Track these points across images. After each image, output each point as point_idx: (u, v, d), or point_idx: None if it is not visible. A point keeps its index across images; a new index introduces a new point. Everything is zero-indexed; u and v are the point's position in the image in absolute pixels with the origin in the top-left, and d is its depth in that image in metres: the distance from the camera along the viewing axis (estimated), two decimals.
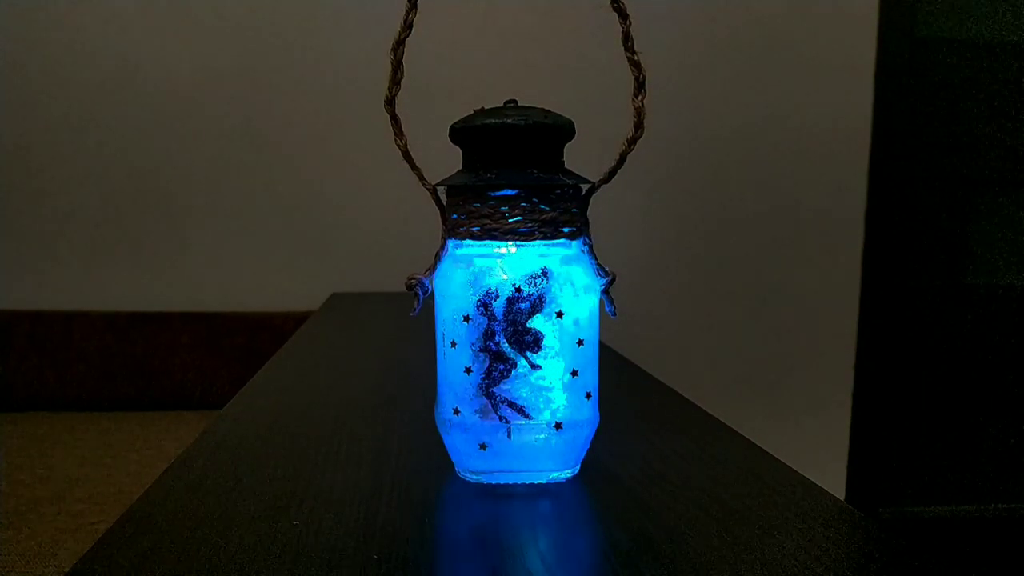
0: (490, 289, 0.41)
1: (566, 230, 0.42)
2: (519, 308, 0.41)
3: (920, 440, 1.63)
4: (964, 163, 1.59)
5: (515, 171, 0.42)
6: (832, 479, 1.56)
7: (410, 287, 0.44)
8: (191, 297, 1.37)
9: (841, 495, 1.53)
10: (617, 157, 0.42)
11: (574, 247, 0.43)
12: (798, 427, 1.53)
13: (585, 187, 0.44)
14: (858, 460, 1.57)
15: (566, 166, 0.44)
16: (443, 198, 0.45)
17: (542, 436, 0.42)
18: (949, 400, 1.62)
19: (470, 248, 0.42)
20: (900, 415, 1.61)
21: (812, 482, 0.44)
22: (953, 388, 1.62)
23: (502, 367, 0.41)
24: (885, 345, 1.57)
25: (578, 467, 0.45)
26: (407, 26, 0.41)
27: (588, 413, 0.43)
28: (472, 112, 0.43)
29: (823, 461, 1.56)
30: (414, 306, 0.44)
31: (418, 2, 0.41)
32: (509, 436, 0.42)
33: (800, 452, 1.52)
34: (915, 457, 1.63)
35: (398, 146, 0.43)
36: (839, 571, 0.34)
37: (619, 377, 0.72)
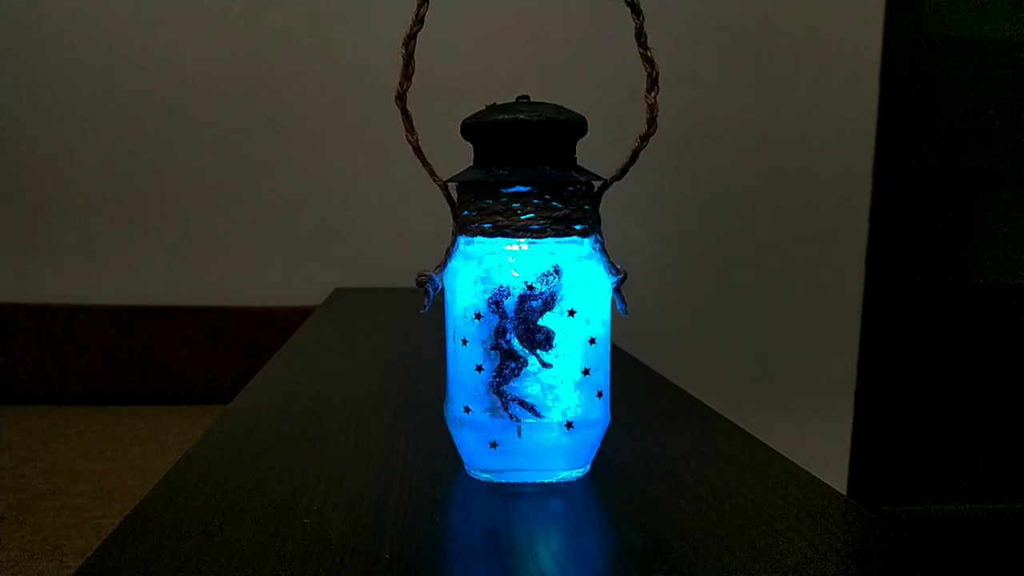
0: (502, 286, 0.40)
1: (578, 227, 0.42)
2: (531, 306, 0.40)
3: (922, 438, 1.63)
4: (969, 161, 1.58)
5: (528, 167, 0.41)
6: (834, 476, 1.56)
7: (420, 284, 0.43)
8: (194, 291, 1.37)
9: (843, 493, 1.53)
10: (630, 154, 0.42)
11: (586, 244, 0.42)
12: (801, 424, 1.53)
13: (597, 184, 0.44)
14: (860, 458, 1.57)
15: (578, 163, 0.44)
16: (454, 194, 0.45)
17: (553, 435, 0.42)
18: (951, 399, 1.62)
19: (481, 245, 0.42)
20: (902, 414, 1.61)
21: (822, 481, 0.44)
22: (956, 387, 1.62)
23: (513, 365, 0.41)
24: (888, 343, 1.56)
25: (588, 466, 0.44)
26: (419, 20, 0.41)
27: (599, 412, 0.43)
28: (484, 108, 0.43)
29: (825, 458, 1.56)
30: (424, 303, 0.43)
31: None
32: (520, 435, 0.41)
33: (802, 449, 1.52)
34: (917, 455, 1.63)
35: (409, 141, 0.43)
36: (850, 570, 0.33)
37: (628, 376, 0.71)
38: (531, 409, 0.41)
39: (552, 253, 0.41)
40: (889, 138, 1.50)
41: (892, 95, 1.49)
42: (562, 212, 0.41)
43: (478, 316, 0.41)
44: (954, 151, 1.57)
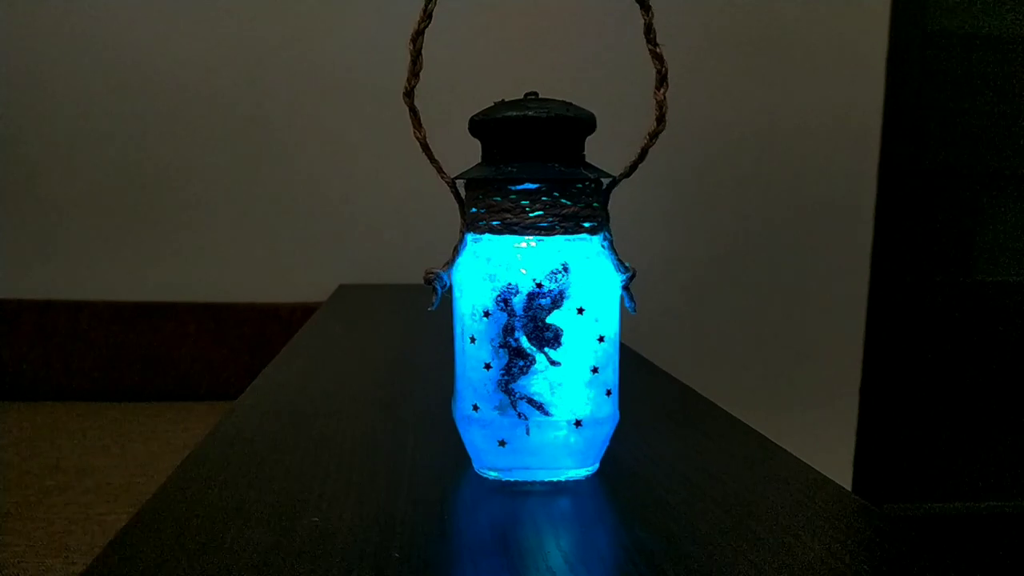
0: (510, 284, 0.40)
1: (587, 225, 0.42)
2: (539, 304, 0.40)
3: (927, 436, 1.62)
4: (974, 158, 1.57)
5: (536, 164, 0.41)
6: (839, 474, 1.56)
7: (428, 281, 0.43)
8: (198, 288, 1.37)
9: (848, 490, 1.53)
10: (639, 151, 0.42)
11: (595, 242, 0.42)
12: (805, 421, 1.53)
13: (606, 181, 0.44)
14: (865, 455, 1.57)
15: (587, 160, 0.44)
16: (461, 191, 0.44)
17: (562, 433, 0.41)
18: (956, 396, 1.62)
19: (490, 242, 0.41)
20: (907, 411, 1.61)
21: (833, 481, 0.43)
22: (960, 384, 1.61)
23: (522, 363, 0.41)
24: (893, 341, 1.56)
25: (597, 465, 0.44)
26: (427, 16, 0.41)
27: (608, 410, 0.43)
28: (492, 104, 0.42)
29: (830, 456, 1.56)
30: (432, 301, 0.43)
31: None
32: (528, 433, 0.41)
33: (807, 446, 1.52)
34: (922, 453, 1.63)
35: (417, 138, 0.43)
36: (858, 567, 0.33)
37: (637, 374, 0.71)
38: (539, 407, 0.41)
39: (561, 251, 0.41)
40: (895, 135, 1.50)
41: (898, 92, 1.49)
42: (571, 209, 0.41)
43: (486, 314, 0.41)
44: (960, 148, 1.56)
